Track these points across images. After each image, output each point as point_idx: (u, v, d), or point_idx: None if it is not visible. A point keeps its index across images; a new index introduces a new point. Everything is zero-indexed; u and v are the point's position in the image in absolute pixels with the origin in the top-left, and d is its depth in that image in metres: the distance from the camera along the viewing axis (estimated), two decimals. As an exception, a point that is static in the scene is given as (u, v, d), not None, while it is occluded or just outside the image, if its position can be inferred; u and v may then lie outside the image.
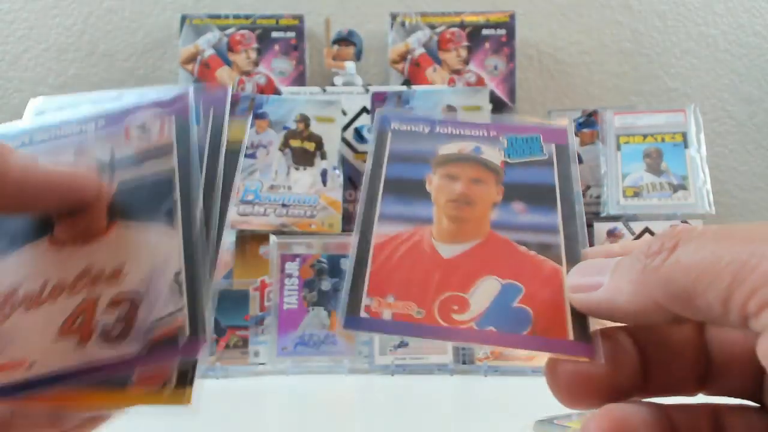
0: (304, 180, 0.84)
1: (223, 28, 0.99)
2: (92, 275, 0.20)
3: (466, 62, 0.99)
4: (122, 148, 0.22)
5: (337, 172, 0.84)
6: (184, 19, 0.99)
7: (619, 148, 0.90)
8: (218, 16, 0.99)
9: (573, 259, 0.22)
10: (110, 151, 0.22)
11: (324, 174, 0.84)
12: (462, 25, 1.00)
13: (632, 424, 0.20)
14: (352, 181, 0.92)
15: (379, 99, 0.87)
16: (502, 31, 0.99)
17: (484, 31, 1.00)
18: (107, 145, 0.22)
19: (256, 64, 0.99)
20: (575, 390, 0.20)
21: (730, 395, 0.22)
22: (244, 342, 0.73)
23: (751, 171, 1.10)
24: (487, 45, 0.99)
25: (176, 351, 0.19)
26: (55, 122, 0.23)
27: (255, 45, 0.99)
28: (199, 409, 0.19)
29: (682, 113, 0.90)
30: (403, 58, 1.00)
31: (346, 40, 0.97)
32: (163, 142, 0.22)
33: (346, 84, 0.95)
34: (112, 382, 0.19)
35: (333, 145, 0.85)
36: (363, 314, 0.20)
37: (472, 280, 0.22)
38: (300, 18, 1.00)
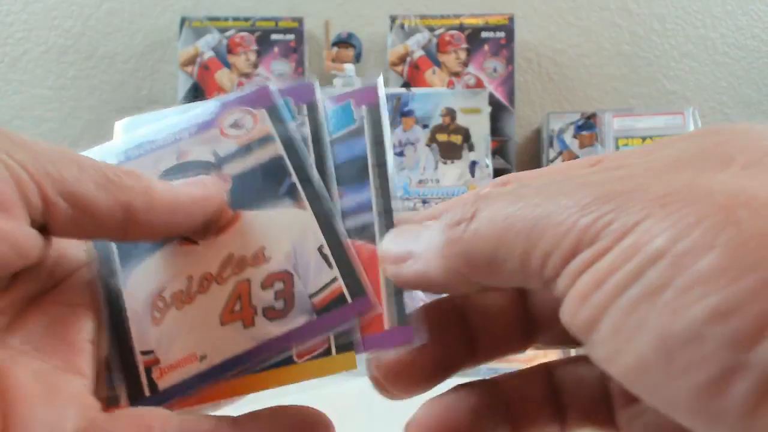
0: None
1: (222, 31, 0.99)
2: (235, 261, 0.20)
3: (466, 65, 0.99)
4: (223, 146, 0.22)
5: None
6: (183, 21, 0.99)
7: (618, 150, 0.90)
8: (218, 19, 1.00)
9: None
10: (212, 151, 0.22)
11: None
12: (461, 28, 1.00)
13: (457, 418, 0.19)
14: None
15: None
16: (501, 34, 1.00)
17: (483, 34, 1.00)
18: (207, 147, 0.22)
19: (255, 66, 0.99)
20: (398, 380, 0.19)
21: (560, 345, 0.21)
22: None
23: (749, 174, 1.10)
24: (486, 47, 0.99)
25: (347, 311, 0.19)
26: (148, 137, 0.23)
27: (254, 47, 0.99)
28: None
29: (680, 116, 0.90)
30: (402, 60, 1.00)
31: (345, 42, 0.97)
32: (262, 133, 0.22)
33: (345, 86, 0.95)
34: (279, 360, 0.19)
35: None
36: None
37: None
38: (299, 20, 1.00)
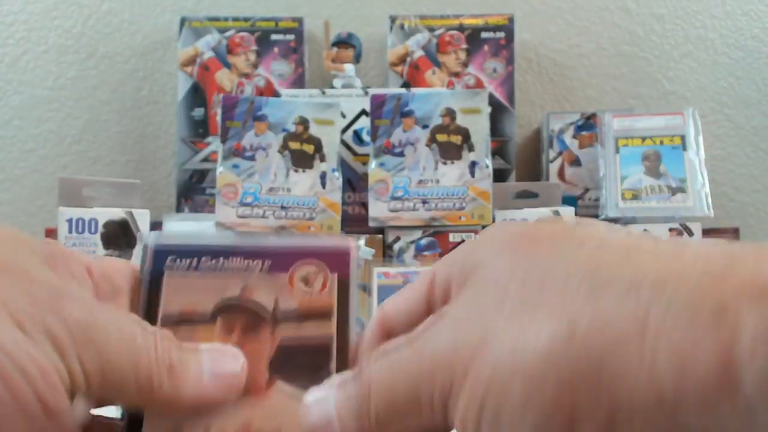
0: (303, 182, 0.84)
1: (222, 31, 0.99)
2: (252, 430, 0.22)
3: (465, 65, 0.99)
4: (286, 298, 0.24)
5: (337, 174, 0.84)
6: (183, 21, 0.99)
7: (617, 150, 0.90)
8: (217, 19, 1.00)
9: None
10: (275, 299, 0.23)
11: (323, 176, 0.84)
12: (461, 28, 1.00)
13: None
14: (351, 183, 0.92)
15: (378, 101, 0.87)
16: (500, 34, 1.00)
17: (483, 34, 1.00)
18: (272, 291, 0.24)
19: (255, 66, 0.99)
20: None
21: None
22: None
23: (749, 174, 1.10)
24: (486, 48, 0.99)
25: None
26: (223, 247, 0.24)
27: (254, 47, 0.99)
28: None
29: (680, 116, 0.90)
30: (402, 60, 1.00)
31: (345, 42, 0.97)
32: (325, 303, 0.24)
33: (345, 86, 0.95)
34: None
35: (332, 148, 0.85)
36: None
37: None
38: (299, 21, 1.00)
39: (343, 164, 0.90)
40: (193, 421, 0.22)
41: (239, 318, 0.23)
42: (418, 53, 1.00)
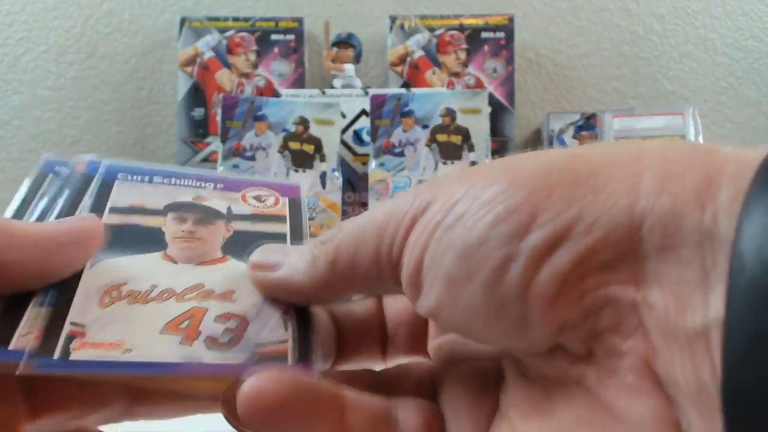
0: (303, 182, 0.84)
1: (222, 31, 0.99)
2: (203, 291, 0.21)
3: (465, 65, 0.99)
4: (239, 207, 0.24)
5: (336, 174, 0.84)
6: (183, 21, 0.99)
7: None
8: (217, 19, 1.00)
9: None
10: (227, 206, 0.24)
11: (323, 176, 0.84)
12: (461, 28, 1.00)
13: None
14: (351, 183, 0.92)
15: (378, 101, 0.87)
16: (501, 34, 1.00)
17: (483, 34, 1.00)
18: (224, 202, 0.24)
19: (255, 66, 0.99)
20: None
21: (409, 354, 0.24)
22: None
23: (749, 174, 1.10)
24: (486, 48, 0.99)
25: (286, 367, 0.19)
26: (175, 171, 0.24)
27: (254, 47, 0.99)
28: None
29: (680, 116, 0.90)
30: (402, 60, 1.00)
31: (345, 42, 0.97)
32: (277, 213, 0.24)
33: (345, 86, 0.95)
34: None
35: (332, 148, 0.85)
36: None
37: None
38: (299, 21, 1.00)
39: (343, 164, 0.90)
40: (142, 276, 0.20)
41: (192, 213, 0.23)
42: (418, 53, 1.00)
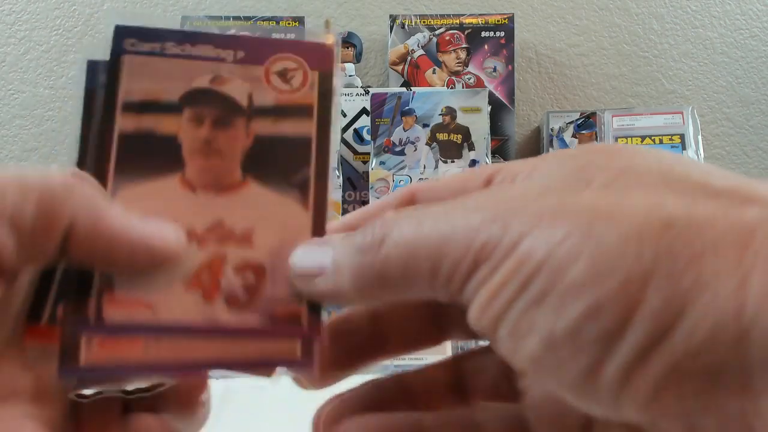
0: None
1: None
2: (223, 231, 0.20)
3: (466, 64, 1.00)
4: (261, 93, 0.21)
5: (337, 173, 0.85)
6: (184, 21, 0.99)
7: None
8: (219, 18, 1.00)
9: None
10: (248, 94, 0.21)
11: None
12: (461, 27, 1.00)
13: (362, 409, 0.21)
14: (351, 182, 0.92)
15: (378, 100, 0.87)
16: (500, 33, 1.00)
17: (483, 33, 1.00)
18: (245, 85, 0.21)
19: (256, 65, 0.99)
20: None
21: (471, 338, 0.23)
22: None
23: (748, 173, 1.10)
24: (486, 47, 1.00)
25: (300, 330, 0.19)
26: (191, 32, 0.22)
27: (255, 47, 0.99)
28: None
29: (679, 115, 0.91)
30: (402, 59, 1.00)
31: (345, 41, 0.97)
32: (304, 101, 0.21)
33: (345, 85, 0.95)
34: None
35: (333, 147, 0.85)
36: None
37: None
38: (300, 20, 1.01)
39: (343, 163, 0.90)
40: (164, 212, 0.20)
41: (210, 109, 0.21)
42: (419, 52, 1.00)
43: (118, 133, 0.20)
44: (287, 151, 0.21)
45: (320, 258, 0.19)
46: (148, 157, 0.20)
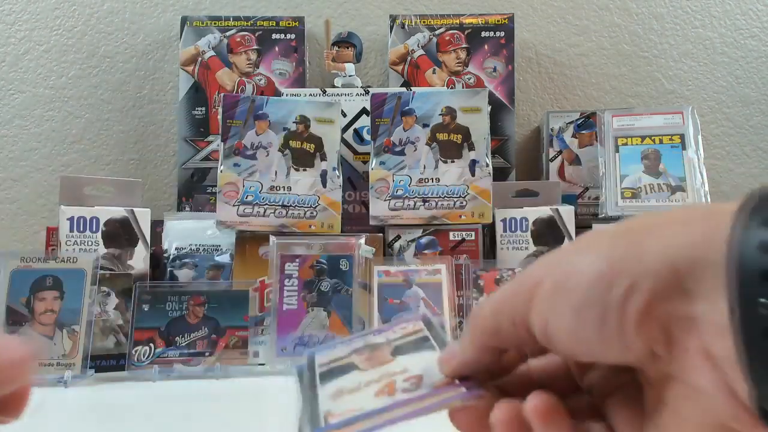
0: (303, 181, 0.84)
1: (223, 30, 0.99)
2: (388, 373, 0.32)
3: (466, 64, 1.00)
4: (392, 335, 0.35)
5: (337, 173, 0.85)
6: (184, 20, 0.99)
7: (617, 149, 0.91)
8: (219, 18, 1.00)
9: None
10: (386, 338, 0.35)
11: (324, 175, 0.84)
12: (461, 27, 1.00)
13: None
14: (351, 182, 0.92)
15: (378, 100, 0.87)
16: (500, 33, 1.00)
17: (483, 33, 1.00)
18: (382, 338, 0.35)
19: (256, 65, 0.99)
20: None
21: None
22: (244, 342, 0.74)
23: (748, 172, 1.10)
24: (486, 47, 1.00)
25: (459, 386, 0.29)
26: (347, 338, 0.36)
27: (255, 46, 0.99)
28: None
29: (679, 115, 0.91)
30: (402, 59, 1.00)
31: (345, 41, 0.97)
32: (417, 329, 0.35)
33: (345, 85, 0.95)
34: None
35: (333, 147, 0.85)
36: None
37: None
38: (300, 20, 1.01)
39: (343, 163, 0.90)
40: (356, 382, 0.31)
41: (367, 350, 0.35)
42: (419, 52, 1.00)
43: (318, 372, 0.34)
44: (414, 342, 0.34)
45: (451, 350, 0.30)
46: (337, 371, 0.34)
